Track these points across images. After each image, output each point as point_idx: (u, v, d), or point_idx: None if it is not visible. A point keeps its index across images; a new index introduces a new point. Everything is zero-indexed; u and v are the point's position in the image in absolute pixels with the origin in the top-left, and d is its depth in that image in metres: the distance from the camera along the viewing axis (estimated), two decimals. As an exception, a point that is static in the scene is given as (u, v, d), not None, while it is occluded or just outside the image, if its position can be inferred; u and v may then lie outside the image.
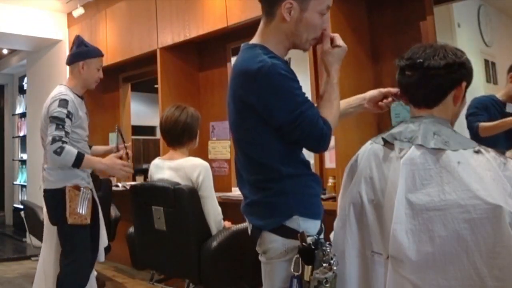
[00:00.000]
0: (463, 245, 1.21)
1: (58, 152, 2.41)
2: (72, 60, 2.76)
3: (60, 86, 2.74)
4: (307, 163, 1.50)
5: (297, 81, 1.40)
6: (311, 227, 1.42)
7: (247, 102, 1.40)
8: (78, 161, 2.47)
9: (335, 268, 1.33)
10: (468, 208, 1.21)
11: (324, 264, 1.32)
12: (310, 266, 1.32)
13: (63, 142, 2.44)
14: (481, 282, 1.18)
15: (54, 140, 2.43)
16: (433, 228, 1.24)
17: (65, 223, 2.57)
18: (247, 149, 1.47)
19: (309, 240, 1.36)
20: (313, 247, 1.34)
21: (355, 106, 1.66)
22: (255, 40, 1.49)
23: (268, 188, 1.44)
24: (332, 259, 1.33)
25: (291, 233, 1.40)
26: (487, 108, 2.61)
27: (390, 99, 1.59)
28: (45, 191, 2.69)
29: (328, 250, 1.34)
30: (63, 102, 2.57)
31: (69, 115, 2.54)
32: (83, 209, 2.60)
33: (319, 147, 1.42)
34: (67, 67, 2.88)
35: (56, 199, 2.61)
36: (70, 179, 2.62)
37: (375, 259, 1.39)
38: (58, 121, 2.49)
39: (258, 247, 1.48)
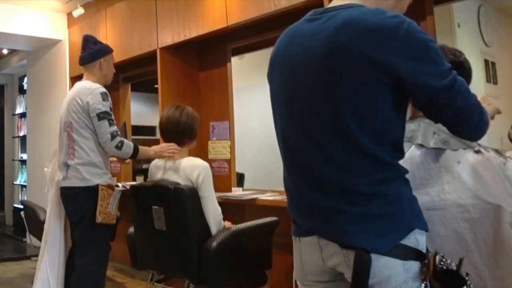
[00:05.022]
0: (463, 244, 1.21)
1: (119, 146, 2.58)
2: (91, 58, 2.79)
3: (86, 81, 2.74)
4: None
5: None
6: (425, 242, 1.10)
7: (382, 63, 1.03)
8: (136, 152, 2.66)
9: None
10: (468, 208, 1.21)
11: None
12: None
13: (120, 136, 2.60)
14: (481, 282, 1.18)
15: (113, 136, 2.58)
16: (432, 228, 1.24)
17: (91, 221, 2.58)
18: (355, 132, 1.06)
19: (437, 260, 1.07)
20: (454, 269, 1.06)
21: None
22: (342, 1, 1.16)
23: (383, 195, 1.06)
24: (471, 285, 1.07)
25: (410, 253, 1.06)
26: None
27: None
28: (71, 188, 2.65)
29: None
30: (105, 96, 2.66)
31: (111, 107, 2.66)
32: (113, 209, 2.62)
33: (483, 123, 1.10)
34: (67, 67, 2.89)
35: (84, 196, 2.61)
36: (103, 176, 2.66)
37: (375, 258, 1.38)
38: (108, 116, 2.62)
39: (370, 280, 1.04)
